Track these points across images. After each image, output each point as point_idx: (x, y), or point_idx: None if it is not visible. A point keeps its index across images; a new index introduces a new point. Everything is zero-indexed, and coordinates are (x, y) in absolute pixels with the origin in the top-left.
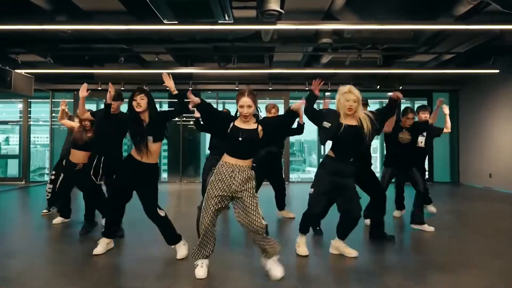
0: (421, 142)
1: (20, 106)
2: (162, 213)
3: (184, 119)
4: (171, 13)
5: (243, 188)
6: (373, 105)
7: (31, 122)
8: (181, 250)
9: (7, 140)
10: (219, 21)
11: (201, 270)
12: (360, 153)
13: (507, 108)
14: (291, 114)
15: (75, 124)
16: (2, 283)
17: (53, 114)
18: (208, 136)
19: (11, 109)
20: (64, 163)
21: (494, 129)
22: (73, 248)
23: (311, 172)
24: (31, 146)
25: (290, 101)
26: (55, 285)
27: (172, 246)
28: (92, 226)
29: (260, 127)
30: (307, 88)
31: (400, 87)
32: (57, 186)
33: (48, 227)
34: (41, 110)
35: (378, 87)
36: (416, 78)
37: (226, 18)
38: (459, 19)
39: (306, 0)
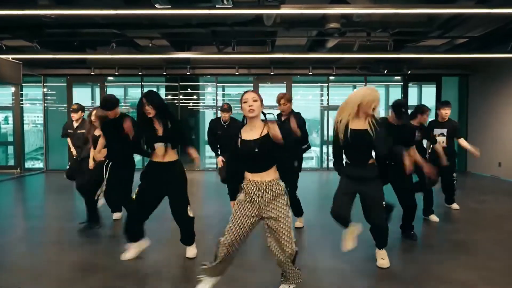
0: (442, 141)
1: (13, 89)
2: (191, 214)
3: (183, 101)
4: None
5: (273, 207)
6: (380, 88)
7: (27, 105)
8: (192, 249)
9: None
10: (216, 5)
11: (204, 286)
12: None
13: None
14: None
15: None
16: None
17: (47, 97)
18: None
19: (3, 92)
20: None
21: (504, 117)
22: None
23: (311, 152)
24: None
25: (292, 84)
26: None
27: (186, 247)
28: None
29: (268, 132)
30: (310, 73)
31: (409, 72)
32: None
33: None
34: (35, 93)
35: (386, 71)
36: (425, 62)
37: (225, 2)
38: (480, 2)
39: None
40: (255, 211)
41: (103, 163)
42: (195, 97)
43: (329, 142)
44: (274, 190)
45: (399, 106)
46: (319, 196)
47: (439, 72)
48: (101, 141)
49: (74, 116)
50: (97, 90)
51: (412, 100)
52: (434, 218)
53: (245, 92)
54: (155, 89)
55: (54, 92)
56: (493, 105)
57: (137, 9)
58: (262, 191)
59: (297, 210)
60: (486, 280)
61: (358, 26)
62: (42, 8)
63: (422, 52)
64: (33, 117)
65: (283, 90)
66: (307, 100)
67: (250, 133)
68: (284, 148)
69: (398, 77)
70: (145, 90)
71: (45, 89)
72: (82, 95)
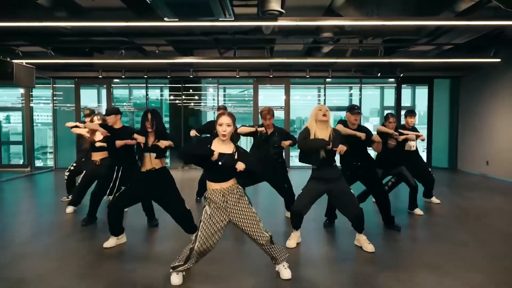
0: (412, 146)
1: (21, 90)
2: (187, 207)
3: (185, 101)
4: (171, 12)
5: (238, 209)
6: (375, 90)
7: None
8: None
9: (7, 118)
10: (219, 19)
11: (176, 277)
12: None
13: (507, 98)
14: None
15: (82, 131)
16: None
17: (55, 98)
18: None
19: (11, 92)
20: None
21: (493, 117)
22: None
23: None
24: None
25: (290, 86)
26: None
27: (191, 235)
28: (93, 221)
29: (237, 154)
30: (307, 76)
31: (401, 74)
32: (76, 178)
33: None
34: (43, 94)
35: (379, 74)
36: (418, 65)
37: (227, 16)
38: (460, 15)
39: None
40: (224, 216)
41: (105, 166)
42: (196, 97)
43: None
44: (235, 193)
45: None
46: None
47: (431, 74)
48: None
49: (87, 120)
50: (103, 92)
51: (406, 101)
52: (418, 211)
53: (221, 114)
54: (158, 90)
55: (61, 93)
56: (482, 106)
57: (147, 21)
58: (226, 196)
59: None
60: (458, 265)
61: (350, 34)
62: (60, 20)
63: (413, 57)
64: (35, 117)
65: (282, 92)
66: (305, 100)
67: (219, 146)
68: (251, 173)
69: (392, 79)
70: (150, 91)
71: (53, 91)
72: (89, 96)
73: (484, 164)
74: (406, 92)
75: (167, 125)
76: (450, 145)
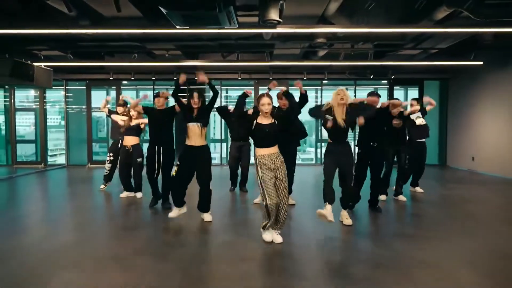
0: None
1: (33, 91)
2: (210, 187)
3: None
4: (183, 21)
5: (282, 170)
6: (367, 91)
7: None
8: (208, 216)
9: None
10: (225, 27)
11: (268, 235)
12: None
13: (490, 98)
14: (302, 96)
15: (119, 117)
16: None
17: (67, 100)
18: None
19: (21, 94)
20: (119, 147)
21: (478, 117)
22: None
23: (311, 153)
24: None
25: (289, 88)
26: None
27: (203, 213)
28: (157, 199)
29: (276, 122)
30: (305, 78)
31: (393, 76)
32: (116, 166)
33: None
34: (53, 95)
35: (372, 76)
36: (408, 68)
37: (232, 24)
38: (438, 23)
39: (302, 7)
40: (272, 174)
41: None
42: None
43: (323, 141)
44: (280, 159)
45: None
46: (313, 185)
47: (421, 76)
48: (139, 107)
49: (120, 109)
50: (112, 93)
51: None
52: (402, 198)
53: (261, 96)
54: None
55: (71, 94)
56: (468, 106)
57: (161, 29)
58: (273, 159)
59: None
60: (432, 236)
61: (342, 40)
62: (84, 28)
63: (402, 60)
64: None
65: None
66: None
67: (263, 120)
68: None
69: (385, 81)
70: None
71: (64, 92)
72: (98, 97)
73: (471, 160)
74: (399, 93)
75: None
76: (440, 143)
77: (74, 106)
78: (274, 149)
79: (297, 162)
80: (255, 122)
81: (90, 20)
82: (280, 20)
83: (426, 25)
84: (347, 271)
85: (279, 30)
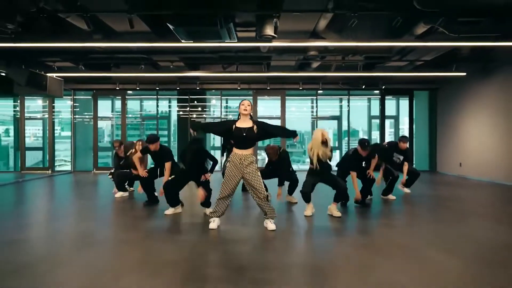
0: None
1: (39, 101)
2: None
3: (194, 117)
4: (188, 36)
5: (248, 170)
6: (361, 101)
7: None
8: (208, 210)
9: (7, 131)
10: (225, 40)
11: (213, 224)
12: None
13: (475, 106)
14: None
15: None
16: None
17: (75, 109)
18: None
19: (31, 104)
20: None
21: (465, 124)
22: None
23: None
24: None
25: (286, 97)
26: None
27: (204, 208)
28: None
29: (255, 127)
30: (300, 88)
31: (384, 86)
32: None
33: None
34: (58, 105)
35: (364, 86)
36: (398, 78)
37: (232, 39)
38: (419, 38)
39: (296, 23)
40: (237, 172)
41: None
42: (199, 109)
43: None
44: (249, 160)
45: (363, 142)
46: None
47: (410, 87)
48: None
49: (118, 150)
50: (117, 102)
51: (391, 111)
52: (391, 197)
53: (242, 101)
54: (167, 102)
55: (77, 104)
56: (456, 115)
57: (167, 43)
58: (242, 160)
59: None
60: (409, 224)
61: (333, 52)
62: (96, 42)
63: (390, 71)
64: (34, 130)
65: (278, 103)
66: (301, 111)
67: (242, 124)
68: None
69: (377, 91)
70: (160, 103)
71: (71, 102)
72: (104, 106)
73: (458, 166)
74: (391, 103)
75: (174, 144)
76: (430, 150)
77: (77, 116)
78: (247, 151)
79: (300, 168)
80: (234, 126)
81: (103, 34)
82: (275, 35)
83: (408, 39)
84: (331, 249)
85: (275, 44)
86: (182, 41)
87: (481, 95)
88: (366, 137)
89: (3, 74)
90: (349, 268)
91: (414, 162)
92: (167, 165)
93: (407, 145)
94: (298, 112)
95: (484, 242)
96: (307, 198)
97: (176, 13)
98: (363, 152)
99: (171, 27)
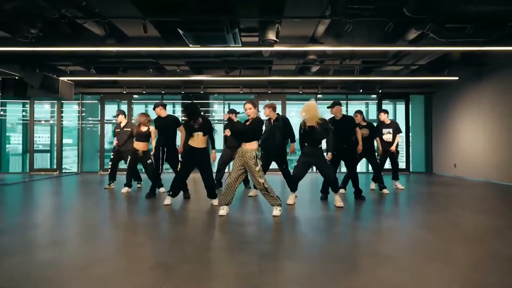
0: (388, 138)
1: (47, 106)
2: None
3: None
4: (196, 40)
5: (249, 162)
6: (359, 106)
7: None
8: (215, 201)
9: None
10: (230, 45)
11: (222, 211)
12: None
13: (468, 109)
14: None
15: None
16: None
17: (83, 114)
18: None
19: (39, 109)
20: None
21: (458, 126)
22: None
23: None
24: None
25: (286, 102)
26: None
27: (211, 200)
28: (154, 195)
29: (253, 123)
30: (300, 92)
31: (380, 90)
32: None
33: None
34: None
35: (361, 90)
36: (395, 83)
37: (236, 43)
38: (412, 42)
39: (296, 29)
40: (241, 163)
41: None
42: (202, 113)
43: None
44: (250, 154)
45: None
46: (309, 190)
47: (406, 91)
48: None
49: (119, 119)
50: (122, 107)
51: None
52: (385, 191)
53: (245, 103)
54: (171, 106)
55: (84, 109)
56: (450, 117)
57: (175, 47)
58: (243, 153)
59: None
60: (399, 212)
61: (331, 57)
62: (109, 46)
63: (387, 75)
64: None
65: (279, 107)
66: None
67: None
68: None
69: (374, 96)
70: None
71: (81, 106)
72: (109, 111)
73: (453, 166)
74: (388, 107)
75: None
76: (426, 152)
77: (84, 122)
78: (247, 146)
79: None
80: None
81: (116, 39)
82: (277, 39)
83: (401, 44)
84: (333, 231)
85: (276, 48)
86: (190, 45)
87: (474, 98)
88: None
89: (18, 77)
90: (344, 244)
91: (410, 163)
92: (181, 129)
93: (387, 116)
94: (298, 117)
95: (464, 226)
96: (295, 185)
97: (187, 19)
98: (332, 110)
99: (181, 32)
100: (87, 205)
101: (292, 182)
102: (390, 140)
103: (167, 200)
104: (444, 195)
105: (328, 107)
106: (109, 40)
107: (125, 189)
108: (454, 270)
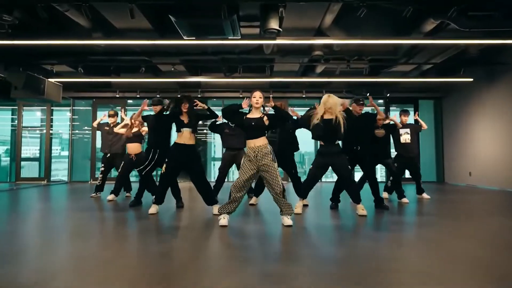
0: (407, 139)
1: (38, 113)
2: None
3: (197, 135)
4: (190, 30)
5: (263, 162)
6: (365, 111)
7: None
8: (215, 208)
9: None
10: (228, 37)
11: (223, 220)
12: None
13: (482, 113)
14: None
15: (121, 130)
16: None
17: (73, 123)
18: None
19: (29, 117)
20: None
21: (473, 132)
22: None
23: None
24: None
25: (289, 108)
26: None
27: (211, 206)
28: (138, 203)
29: (265, 117)
30: (304, 96)
31: (388, 94)
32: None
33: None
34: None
35: (368, 94)
36: (403, 86)
37: (235, 35)
38: (427, 35)
39: (301, 19)
40: (253, 166)
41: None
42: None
43: None
44: (264, 151)
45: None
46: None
47: (415, 95)
48: (140, 118)
49: (111, 119)
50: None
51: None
52: (405, 200)
53: (254, 90)
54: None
55: (77, 116)
56: (462, 122)
57: (169, 40)
58: (256, 152)
59: (298, 191)
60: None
61: (338, 54)
62: (96, 39)
63: (396, 77)
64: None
65: None
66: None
67: (252, 115)
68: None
69: (381, 101)
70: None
71: (72, 114)
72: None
73: (467, 175)
74: (395, 112)
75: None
76: (437, 160)
77: (76, 131)
78: (259, 141)
79: None
80: (245, 117)
81: (102, 32)
82: (280, 29)
83: (416, 37)
84: (356, 234)
85: (279, 41)
86: (184, 37)
87: (488, 101)
88: None
89: (1, 77)
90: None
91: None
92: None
93: (408, 119)
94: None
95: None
96: (306, 191)
97: (179, 3)
98: (357, 107)
99: (173, 19)
100: (63, 214)
101: (303, 187)
102: (409, 141)
103: (153, 209)
104: (457, 201)
105: (352, 102)
106: (96, 34)
107: (111, 196)
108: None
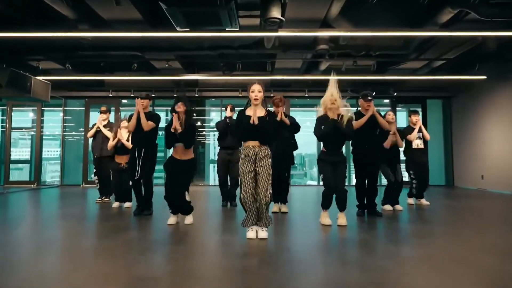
0: (419, 144)
1: (31, 114)
2: (188, 198)
3: (198, 138)
4: (184, 21)
5: (261, 163)
6: None
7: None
8: (189, 218)
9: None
10: (226, 29)
11: (251, 232)
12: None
13: (495, 113)
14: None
15: (108, 133)
16: None
17: (65, 124)
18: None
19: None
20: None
21: (484, 133)
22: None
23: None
24: None
25: (290, 108)
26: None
27: (185, 216)
28: (148, 210)
29: (268, 116)
30: (306, 95)
31: (395, 94)
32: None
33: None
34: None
35: (374, 93)
36: (411, 85)
37: (233, 26)
38: (443, 27)
39: (305, 10)
40: (251, 166)
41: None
42: (199, 122)
43: None
44: (263, 151)
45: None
46: (312, 201)
47: (423, 95)
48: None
49: (103, 116)
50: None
51: (402, 123)
52: (398, 207)
53: (252, 83)
54: (164, 113)
55: (70, 117)
56: (474, 124)
57: (161, 32)
58: (257, 150)
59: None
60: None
61: (344, 49)
62: (82, 31)
63: (404, 74)
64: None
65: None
66: (304, 127)
67: (251, 111)
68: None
69: (387, 100)
70: (157, 112)
71: (64, 114)
72: (95, 119)
73: (479, 178)
74: (401, 115)
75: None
76: (446, 162)
77: (67, 133)
78: (258, 142)
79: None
80: (243, 114)
81: (90, 23)
82: (283, 18)
83: (431, 29)
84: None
85: (281, 33)
86: (178, 28)
87: (502, 100)
88: None
89: None
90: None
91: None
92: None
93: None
94: (304, 126)
95: None
96: (328, 200)
97: None
98: (365, 104)
99: (164, 7)
100: (53, 221)
101: (324, 196)
102: (421, 146)
103: (172, 219)
104: (465, 207)
105: (360, 98)
106: (82, 25)
107: (128, 204)
108: None
